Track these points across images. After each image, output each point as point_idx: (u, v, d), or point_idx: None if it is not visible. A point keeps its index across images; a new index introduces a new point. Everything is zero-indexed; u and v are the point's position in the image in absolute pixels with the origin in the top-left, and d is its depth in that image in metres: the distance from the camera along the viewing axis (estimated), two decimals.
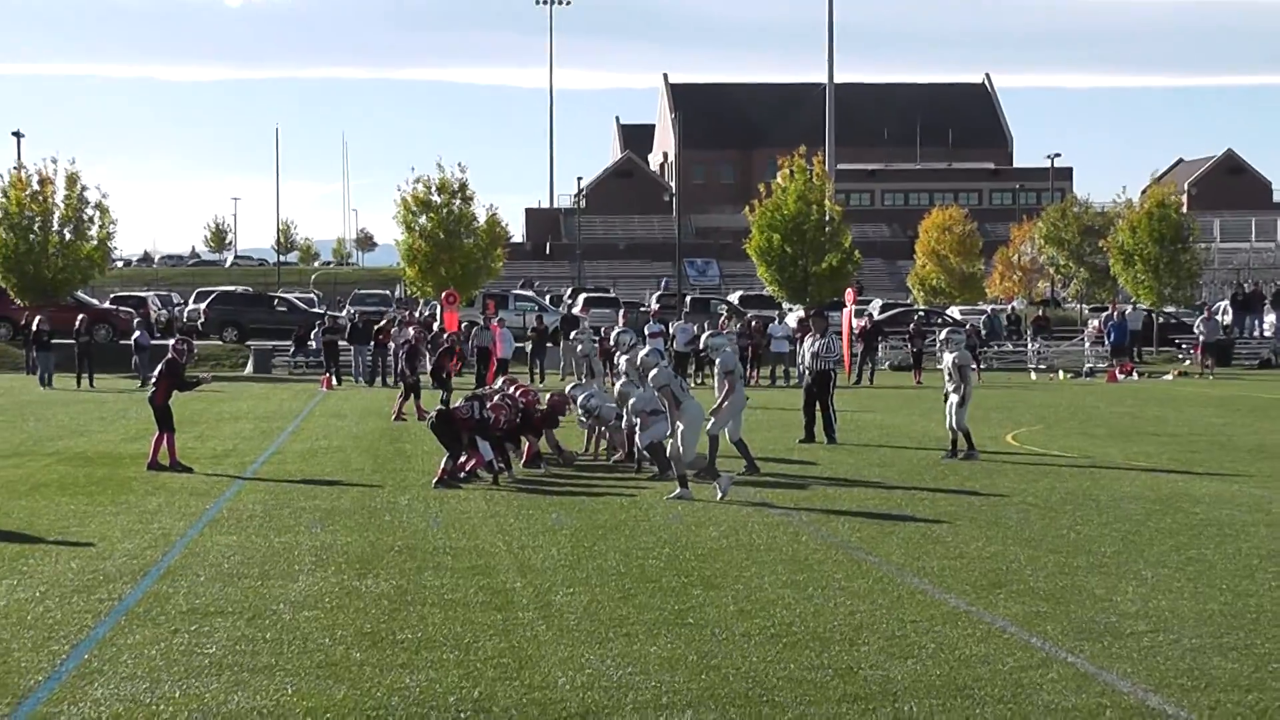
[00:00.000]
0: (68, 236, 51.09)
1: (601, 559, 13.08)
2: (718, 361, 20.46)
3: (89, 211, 51.69)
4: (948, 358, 21.86)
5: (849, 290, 50.47)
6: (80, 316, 43.96)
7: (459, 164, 55.12)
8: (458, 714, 8.20)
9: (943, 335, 22.90)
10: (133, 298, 62.53)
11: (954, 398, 21.36)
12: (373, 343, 42.30)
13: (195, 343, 21.63)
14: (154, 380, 20.75)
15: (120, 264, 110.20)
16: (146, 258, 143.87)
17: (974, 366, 21.89)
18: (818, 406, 24.06)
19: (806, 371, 24.66)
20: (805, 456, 21.92)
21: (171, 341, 21.95)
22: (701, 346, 20.67)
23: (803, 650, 9.66)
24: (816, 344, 24.30)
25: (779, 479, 19.12)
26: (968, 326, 49.62)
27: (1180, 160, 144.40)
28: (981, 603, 11.20)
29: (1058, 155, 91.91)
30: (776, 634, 10.13)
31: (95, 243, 51.91)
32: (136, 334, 42.87)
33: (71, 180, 51.25)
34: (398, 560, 13.04)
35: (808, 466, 20.59)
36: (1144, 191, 62.43)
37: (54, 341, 41.96)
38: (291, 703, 8.43)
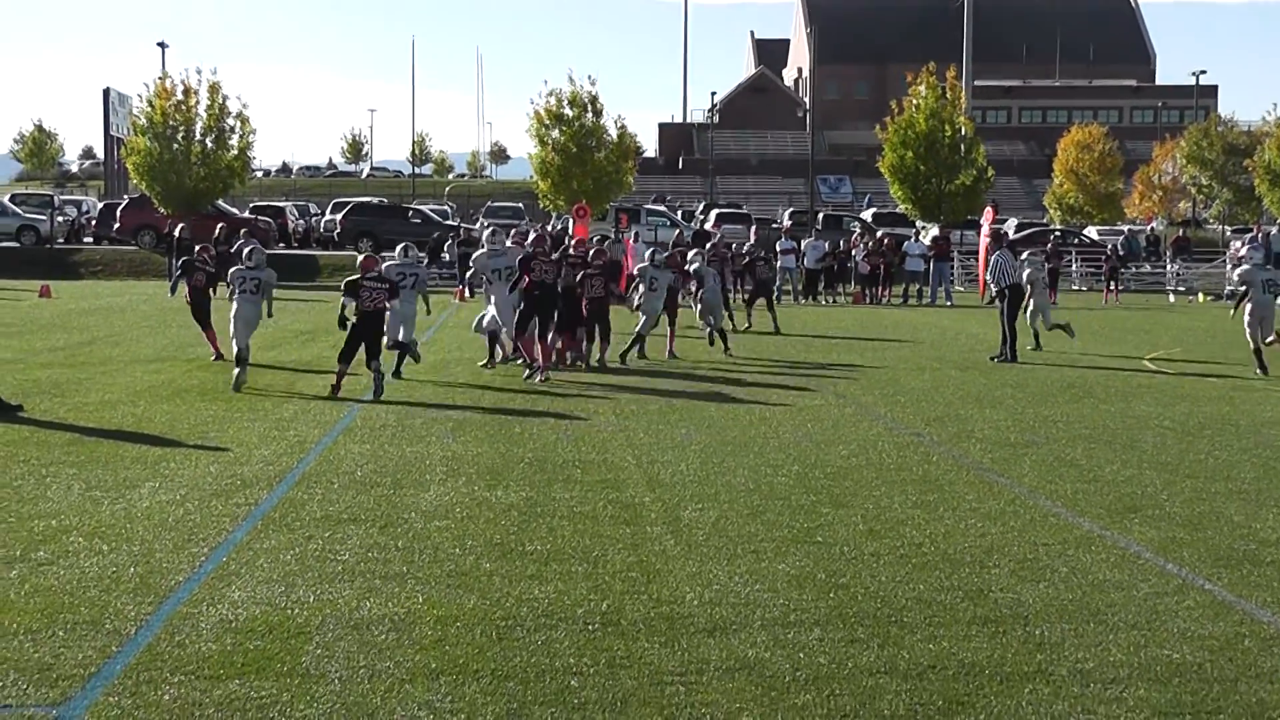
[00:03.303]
0: (209, 146, 51.81)
1: (730, 475, 13.08)
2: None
3: (230, 121, 52.36)
4: (1024, 274, 25.42)
5: (987, 209, 49.78)
6: (220, 225, 44.57)
7: (589, 77, 55.10)
8: (586, 626, 8.25)
9: (1024, 256, 26.39)
10: (271, 208, 63.44)
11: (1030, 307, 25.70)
12: None
13: (213, 251, 25.16)
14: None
15: (259, 174, 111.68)
16: (285, 168, 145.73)
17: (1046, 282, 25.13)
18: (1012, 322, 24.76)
19: (994, 288, 25.60)
20: (937, 376, 21.73)
21: (197, 249, 24.25)
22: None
23: (932, 571, 9.59)
24: (996, 261, 25.47)
25: (908, 398, 18.98)
26: (1109, 246, 48.83)
27: None
28: (1116, 527, 11.04)
29: (1203, 72, 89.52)
30: (906, 554, 10.07)
31: (235, 152, 52.58)
32: (240, 241, 42.80)
33: (214, 90, 51.91)
34: (528, 472, 13.13)
35: (940, 387, 20.41)
36: None
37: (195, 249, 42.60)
38: (422, 610, 8.54)
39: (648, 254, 25.66)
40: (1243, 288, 22.82)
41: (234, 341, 19.49)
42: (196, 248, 24.49)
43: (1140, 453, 14.66)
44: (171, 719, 6.72)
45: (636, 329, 23.69)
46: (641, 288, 24.07)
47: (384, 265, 20.07)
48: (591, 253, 23.18)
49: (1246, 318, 22.57)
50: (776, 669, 7.53)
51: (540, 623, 8.32)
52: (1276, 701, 7.13)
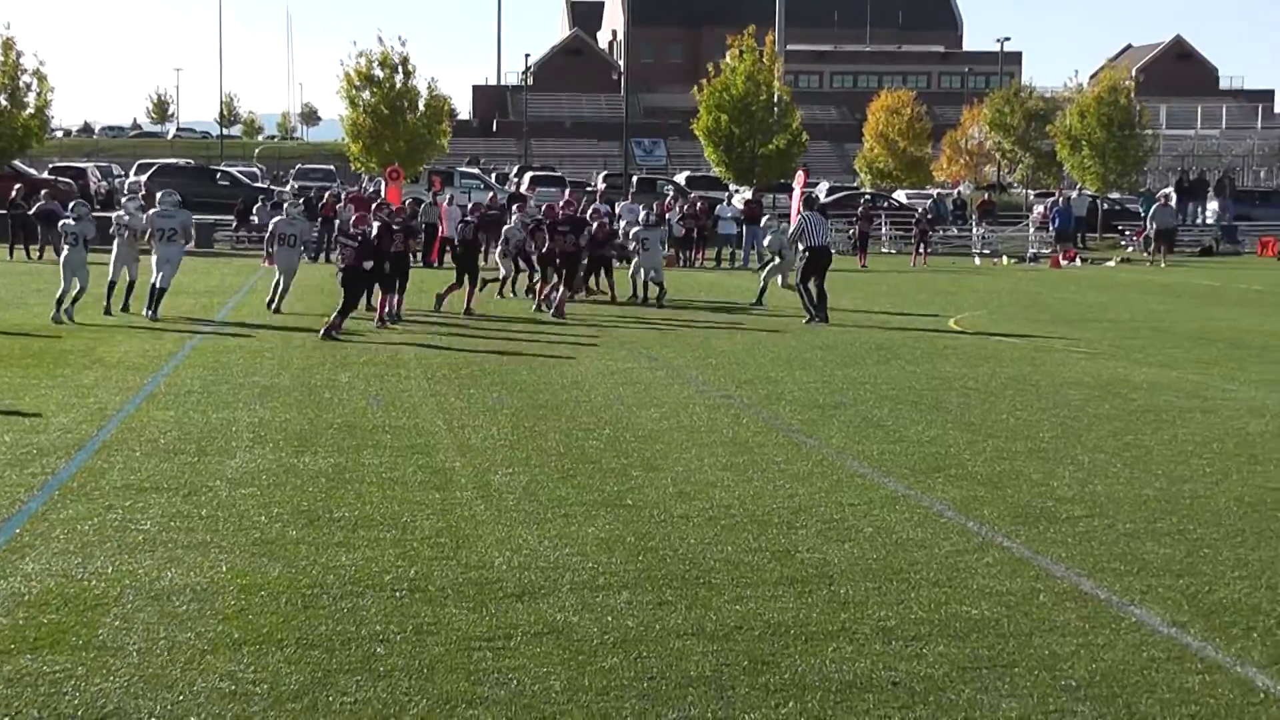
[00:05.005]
0: (4, 104, 50.08)
1: (541, 439, 13.05)
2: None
3: (26, 79, 50.65)
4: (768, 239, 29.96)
5: (800, 172, 50.32)
6: (17, 186, 43.16)
7: (399, 37, 54.34)
8: (394, 593, 8.17)
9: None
10: (72, 168, 61.60)
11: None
12: (319, 219, 41.60)
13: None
14: None
15: (60, 134, 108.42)
16: (87, 128, 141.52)
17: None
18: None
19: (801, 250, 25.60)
20: (748, 339, 21.94)
21: None
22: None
23: (740, 533, 9.68)
24: (800, 224, 25.65)
25: (720, 361, 19.12)
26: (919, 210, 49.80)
27: (1129, 46, 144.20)
28: (920, 487, 11.25)
29: (1007, 39, 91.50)
30: (715, 516, 10.14)
31: (32, 111, 50.91)
32: (40, 203, 41.22)
33: (7, 46, 50.14)
34: (336, 438, 12.96)
35: (751, 349, 20.60)
36: (1093, 76, 62.32)
37: None
38: (226, 580, 8.38)
39: (640, 215, 29.60)
40: (778, 249, 28.20)
41: (63, 283, 22.43)
42: None
43: (945, 413, 14.96)
44: None
45: (659, 282, 28.07)
46: (636, 248, 28.15)
47: (147, 214, 24.28)
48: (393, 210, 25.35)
49: (783, 273, 27.83)
50: (584, 632, 7.53)
51: (347, 590, 8.22)
52: (1069, 654, 7.33)
